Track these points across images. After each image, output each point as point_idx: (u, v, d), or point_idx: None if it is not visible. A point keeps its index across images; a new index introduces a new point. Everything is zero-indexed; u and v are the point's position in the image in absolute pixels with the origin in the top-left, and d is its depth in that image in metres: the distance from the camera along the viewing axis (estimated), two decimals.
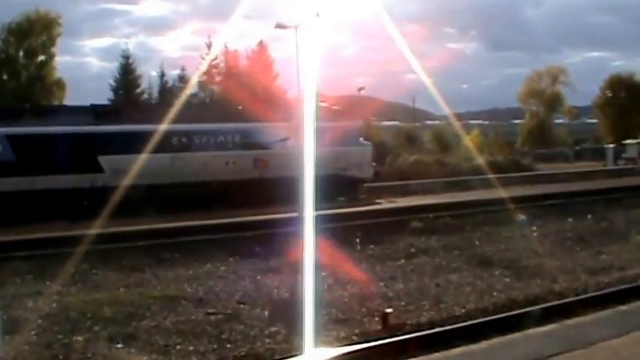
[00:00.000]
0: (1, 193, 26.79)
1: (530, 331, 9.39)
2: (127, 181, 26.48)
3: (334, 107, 38.02)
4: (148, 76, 72.18)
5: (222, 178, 30.57)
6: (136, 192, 26.68)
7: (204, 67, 67.08)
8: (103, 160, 29.32)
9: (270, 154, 32.41)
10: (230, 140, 32.39)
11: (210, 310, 12.96)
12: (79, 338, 11.13)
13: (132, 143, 28.38)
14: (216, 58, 69.34)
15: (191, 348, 10.68)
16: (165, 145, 29.45)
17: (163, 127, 28.24)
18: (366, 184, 36.07)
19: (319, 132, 32.71)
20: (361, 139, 37.73)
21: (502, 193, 27.89)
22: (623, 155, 65.09)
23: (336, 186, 31.92)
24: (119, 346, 10.83)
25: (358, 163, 35.10)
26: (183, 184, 30.05)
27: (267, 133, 32.90)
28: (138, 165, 27.41)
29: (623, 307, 10.28)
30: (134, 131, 29.15)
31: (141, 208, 26.29)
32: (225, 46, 70.04)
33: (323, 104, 36.66)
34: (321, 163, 31.49)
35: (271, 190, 27.83)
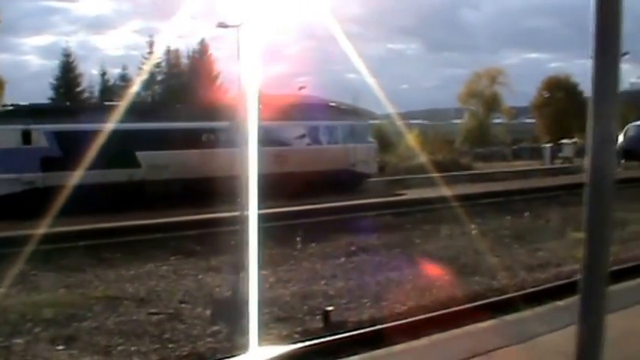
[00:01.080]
0: (51, 187, 27.74)
1: (470, 327, 9.55)
2: (165, 176, 30.58)
3: (343, 107, 41.01)
4: (89, 74, 71.69)
5: None
6: (169, 186, 30.04)
7: (146, 66, 66.81)
8: (140, 155, 31.44)
9: (289, 150, 35.35)
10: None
11: (152, 310, 12.94)
12: (19, 341, 11.04)
13: (169, 140, 31.62)
14: (158, 57, 69.12)
15: (133, 348, 10.67)
16: (196, 141, 32.71)
17: (194, 124, 32.43)
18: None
19: (331, 130, 35.64)
20: (368, 137, 40.47)
21: (441, 191, 28.20)
22: (560, 154, 66.22)
23: (345, 180, 35.69)
24: (60, 347, 10.76)
25: (365, 159, 38.17)
26: (212, 179, 30.67)
27: (286, 131, 35.87)
28: (174, 160, 31.55)
29: (560, 303, 10.52)
30: (171, 129, 32.02)
31: (174, 201, 28.08)
32: (167, 46, 69.89)
33: (333, 104, 38.67)
34: (333, 159, 34.29)
35: (290, 183, 30.21)
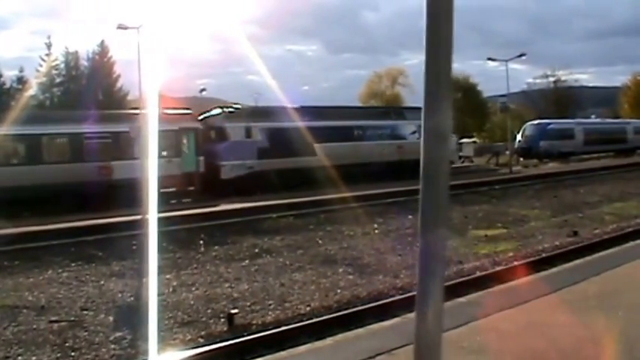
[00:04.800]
0: (263, 171, 38.54)
1: (374, 326, 9.65)
2: (330, 162, 37.52)
3: None
4: None
5: (379, 160, 43.77)
6: (333, 170, 36.05)
7: (44, 69, 65.45)
8: (317, 147, 40.69)
9: (406, 143, 45.57)
10: (385, 133, 46.63)
11: (53, 318, 12.71)
12: None
13: (334, 134, 42.11)
14: (56, 59, 67.80)
15: (34, 358, 10.48)
16: (351, 135, 44.54)
17: (349, 122, 44.35)
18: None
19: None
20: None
21: (344, 191, 28.40)
22: (460, 154, 67.42)
23: None
24: None
25: (451, 150, 43.69)
26: (358, 164, 41.65)
27: (404, 128, 47.27)
28: (336, 150, 40.92)
29: (461, 299, 10.69)
30: (335, 126, 42.76)
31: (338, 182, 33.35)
32: (66, 47, 68.61)
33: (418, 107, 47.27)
34: None
35: (406, 168, 35.86)
